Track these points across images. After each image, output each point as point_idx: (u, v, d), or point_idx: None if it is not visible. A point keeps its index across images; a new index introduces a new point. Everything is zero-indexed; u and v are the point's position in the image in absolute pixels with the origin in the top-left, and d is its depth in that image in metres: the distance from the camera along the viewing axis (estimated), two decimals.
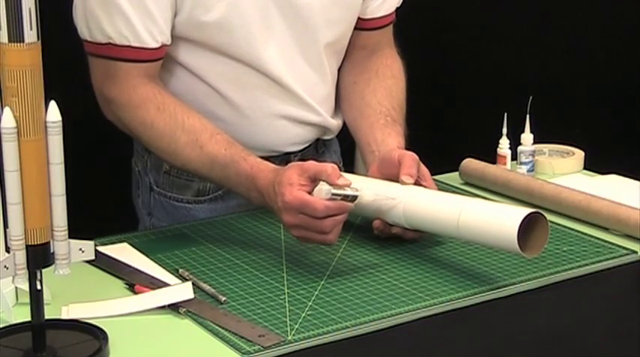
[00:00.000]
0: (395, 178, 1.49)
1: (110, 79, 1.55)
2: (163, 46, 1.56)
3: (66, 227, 1.10)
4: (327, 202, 1.36)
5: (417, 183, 1.49)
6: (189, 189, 1.71)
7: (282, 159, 1.71)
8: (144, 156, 1.74)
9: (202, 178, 1.64)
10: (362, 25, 1.75)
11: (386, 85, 1.74)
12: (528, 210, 1.33)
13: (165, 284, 1.35)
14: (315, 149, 1.79)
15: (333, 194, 1.36)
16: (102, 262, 1.41)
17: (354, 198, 1.38)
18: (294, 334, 1.22)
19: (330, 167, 1.39)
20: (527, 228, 1.33)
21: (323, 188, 1.37)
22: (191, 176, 1.68)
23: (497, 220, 1.34)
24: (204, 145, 1.51)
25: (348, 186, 1.38)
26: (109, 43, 1.53)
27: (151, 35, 1.53)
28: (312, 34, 1.65)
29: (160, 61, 1.58)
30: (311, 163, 1.42)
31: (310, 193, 1.38)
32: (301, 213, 1.37)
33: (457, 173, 1.84)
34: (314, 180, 1.39)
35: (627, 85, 2.95)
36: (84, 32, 1.55)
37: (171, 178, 1.72)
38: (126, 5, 1.50)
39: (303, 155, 1.75)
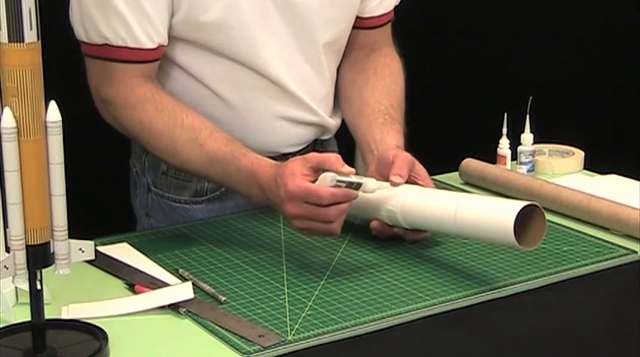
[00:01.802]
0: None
1: (107, 80, 1.55)
2: (160, 46, 1.56)
3: (66, 227, 1.10)
4: (333, 190, 1.35)
5: (413, 182, 1.49)
6: (187, 189, 1.71)
7: (281, 160, 1.71)
8: (142, 156, 1.74)
9: (202, 177, 1.64)
10: (360, 24, 1.75)
11: (384, 83, 1.74)
12: (524, 202, 1.32)
13: (166, 284, 1.35)
14: (314, 149, 1.78)
15: (338, 181, 1.36)
16: (102, 262, 1.41)
17: (358, 185, 1.37)
18: (294, 334, 1.22)
19: (333, 156, 1.38)
20: (525, 221, 1.32)
21: (328, 175, 1.36)
22: (189, 177, 1.67)
23: (494, 213, 1.34)
24: (203, 143, 1.51)
25: (353, 173, 1.38)
26: (106, 44, 1.52)
27: (148, 36, 1.53)
28: (311, 34, 1.65)
29: (157, 61, 1.58)
30: (313, 154, 1.42)
31: (313, 182, 1.37)
32: (305, 202, 1.36)
33: (457, 173, 1.84)
34: (317, 170, 1.38)
35: (627, 85, 2.96)
36: (80, 33, 1.55)
37: (168, 179, 1.71)
38: (122, 6, 1.50)
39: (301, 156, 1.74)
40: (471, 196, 1.43)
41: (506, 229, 1.30)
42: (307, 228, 1.40)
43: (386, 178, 1.49)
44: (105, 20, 1.51)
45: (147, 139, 1.56)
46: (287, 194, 1.38)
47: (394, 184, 1.46)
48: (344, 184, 1.36)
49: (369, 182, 1.39)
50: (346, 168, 1.37)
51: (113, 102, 1.56)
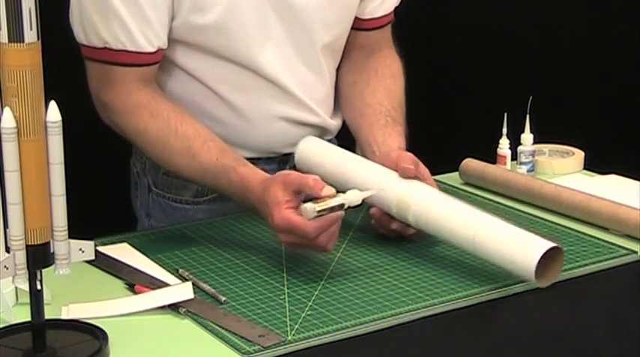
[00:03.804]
0: None
1: (106, 84, 1.55)
2: (160, 50, 1.56)
3: (66, 227, 1.10)
4: (316, 223, 1.34)
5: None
6: (188, 190, 1.71)
7: (281, 160, 1.71)
8: (142, 157, 1.74)
9: (197, 184, 1.64)
10: (361, 26, 1.75)
11: (385, 84, 1.74)
12: (548, 244, 1.32)
13: (166, 284, 1.35)
14: None
15: (319, 211, 1.34)
16: (102, 262, 1.41)
17: (341, 206, 1.37)
18: (294, 334, 1.22)
19: (311, 180, 1.37)
20: (545, 259, 1.32)
21: (308, 208, 1.34)
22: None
23: (516, 250, 1.33)
24: (196, 153, 1.51)
25: (333, 196, 1.36)
26: (105, 48, 1.52)
27: (148, 39, 1.53)
28: (310, 36, 1.64)
29: (157, 65, 1.57)
30: (294, 176, 1.40)
31: (297, 207, 1.37)
32: (293, 234, 1.37)
33: (457, 173, 1.84)
34: (299, 192, 1.38)
35: (627, 86, 2.95)
36: (80, 36, 1.55)
37: (169, 179, 1.71)
38: (122, 9, 1.49)
39: None
40: (489, 220, 1.40)
41: (528, 269, 1.31)
42: (301, 251, 1.41)
43: None
44: (105, 24, 1.50)
45: (143, 145, 1.57)
46: (275, 226, 1.38)
47: (403, 174, 1.46)
48: (326, 212, 1.35)
49: (352, 196, 1.37)
50: (326, 190, 1.36)
51: (111, 106, 1.56)
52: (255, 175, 1.47)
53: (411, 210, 1.44)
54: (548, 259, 1.33)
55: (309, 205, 1.35)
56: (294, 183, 1.38)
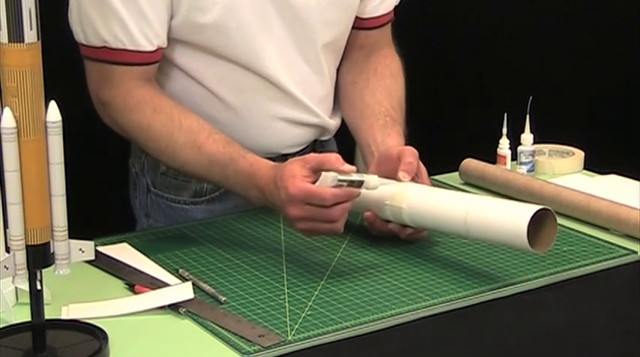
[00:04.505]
0: (394, 174, 1.48)
1: (106, 83, 1.55)
2: (159, 49, 1.55)
3: (66, 227, 1.10)
4: (334, 190, 1.35)
5: (412, 180, 1.49)
6: (187, 190, 1.71)
7: (280, 161, 1.70)
8: (141, 157, 1.74)
9: (201, 179, 1.64)
10: (361, 25, 1.75)
11: (385, 84, 1.74)
12: (536, 207, 1.33)
13: (166, 284, 1.35)
14: (313, 150, 1.78)
15: (339, 181, 1.35)
16: (102, 262, 1.41)
17: (360, 183, 1.37)
18: (294, 334, 1.22)
19: (333, 156, 1.38)
20: (536, 224, 1.32)
21: (329, 175, 1.35)
22: (188, 177, 1.67)
23: (507, 217, 1.33)
24: (202, 145, 1.51)
25: (354, 172, 1.37)
26: (105, 47, 1.52)
27: (147, 38, 1.52)
28: (310, 35, 1.64)
29: (156, 64, 1.57)
30: (312, 155, 1.41)
31: (314, 183, 1.37)
32: (307, 204, 1.36)
33: (457, 173, 1.84)
34: (316, 171, 1.37)
35: (627, 85, 2.95)
36: (79, 35, 1.55)
37: (168, 179, 1.71)
38: (121, 9, 1.49)
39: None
40: (481, 198, 1.42)
41: (519, 233, 1.30)
42: (311, 229, 1.40)
43: (388, 174, 1.49)
44: (103, 23, 1.50)
45: (146, 142, 1.56)
46: (288, 197, 1.37)
47: (401, 181, 1.46)
48: (345, 183, 1.36)
49: (371, 179, 1.39)
50: (347, 166, 1.37)
51: (112, 104, 1.56)
52: (265, 161, 1.47)
53: (405, 210, 1.44)
54: (541, 224, 1.33)
55: (330, 173, 1.35)
56: (314, 160, 1.38)
